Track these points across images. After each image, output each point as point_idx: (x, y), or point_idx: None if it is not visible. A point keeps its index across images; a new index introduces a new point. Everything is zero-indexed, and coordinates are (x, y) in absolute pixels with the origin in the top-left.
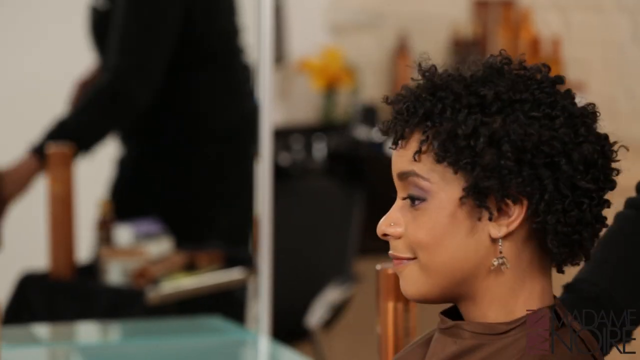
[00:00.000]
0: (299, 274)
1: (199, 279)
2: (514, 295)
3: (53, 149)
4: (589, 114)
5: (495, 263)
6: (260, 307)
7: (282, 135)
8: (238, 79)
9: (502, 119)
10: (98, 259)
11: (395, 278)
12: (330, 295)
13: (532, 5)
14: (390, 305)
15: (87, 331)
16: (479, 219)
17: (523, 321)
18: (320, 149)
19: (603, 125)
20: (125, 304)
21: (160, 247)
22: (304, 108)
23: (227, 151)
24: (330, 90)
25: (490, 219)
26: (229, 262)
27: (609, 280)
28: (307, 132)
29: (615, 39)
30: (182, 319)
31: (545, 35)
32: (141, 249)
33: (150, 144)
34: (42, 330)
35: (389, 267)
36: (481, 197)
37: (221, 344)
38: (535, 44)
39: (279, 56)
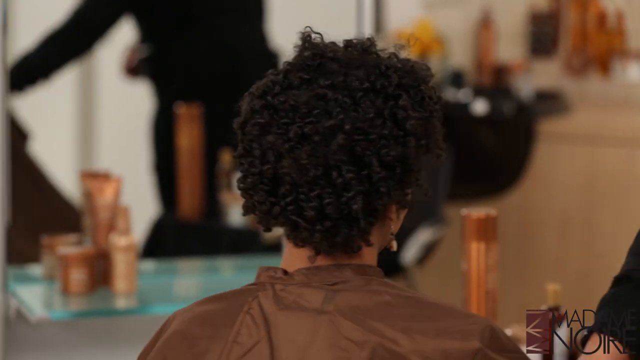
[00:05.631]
0: None
1: None
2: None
3: (182, 108)
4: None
5: None
6: None
7: None
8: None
9: None
10: (220, 203)
11: (479, 221)
12: (423, 236)
13: None
14: (474, 245)
15: (211, 266)
16: None
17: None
18: None
19: None
20: (245, 243)
21: None
22: None
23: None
24: (422, 57)
25: None
26: None
27: None
28: None
29: None
30: None
31: (611, 9)
32: None
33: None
34: (173, 265)
35: (473, 212)
36: None
37: None
38: (602, 17)
39: (378, 28)
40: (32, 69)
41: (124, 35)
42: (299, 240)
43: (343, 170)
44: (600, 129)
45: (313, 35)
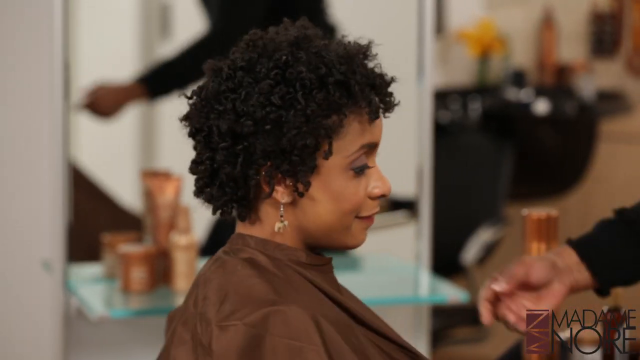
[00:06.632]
0: (455, 216)
1: None
2: None
3: None
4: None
5: None
6: (422, 245)
7: (441, 96)
8: None
9: None
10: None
11: (540, 221)
12: (483, 236)
13: None
14: (535, 246)
15: None
16: None
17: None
18: (475, 108)
19: None
20: None
21: None
22: (461, 72)
23: None
24: (484, 57)
25: None
26: (394, 206)
27: None
28: (464, 94)
29: None
30: (354, 256)
31: None
32: None
33: None
34: None
35: (534, 212)
36: None
37: (388, 277)
38: None
39: (440, 27)
40: (169, 79)
41: (182, 32)
42: None
43: (201, 134)
44: None
45: (305, 26)
